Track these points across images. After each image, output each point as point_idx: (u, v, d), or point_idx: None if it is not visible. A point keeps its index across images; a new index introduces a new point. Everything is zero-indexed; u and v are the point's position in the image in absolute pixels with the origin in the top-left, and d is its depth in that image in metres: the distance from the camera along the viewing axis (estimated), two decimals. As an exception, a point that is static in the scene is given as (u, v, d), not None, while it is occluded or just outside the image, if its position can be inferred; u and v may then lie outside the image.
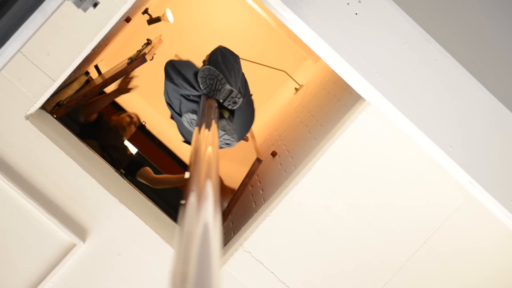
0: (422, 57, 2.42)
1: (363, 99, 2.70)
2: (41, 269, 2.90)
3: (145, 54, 3.42)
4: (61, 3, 1.37)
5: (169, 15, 4.74)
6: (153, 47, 3.77)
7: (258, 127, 5.04)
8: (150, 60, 3.67)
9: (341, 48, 2.44)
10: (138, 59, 3.39)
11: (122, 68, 3.46)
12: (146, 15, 4.53)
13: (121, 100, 5.51)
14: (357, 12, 2.39)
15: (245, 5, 6.22)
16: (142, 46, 3.93)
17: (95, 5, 1.47)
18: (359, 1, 2.38)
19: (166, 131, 5.92)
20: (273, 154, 3.73)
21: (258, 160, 3.24)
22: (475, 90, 2.43)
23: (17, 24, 1.33)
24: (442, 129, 2.48)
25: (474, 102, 2.44)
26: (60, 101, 3.37)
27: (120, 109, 5.75)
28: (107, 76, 3.64)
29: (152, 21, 4.46)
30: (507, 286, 2.80)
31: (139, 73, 4.00)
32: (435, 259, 2.81)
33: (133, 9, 3.37)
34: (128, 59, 3.55)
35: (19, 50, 1.38)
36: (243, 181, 3.26)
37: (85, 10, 1.46)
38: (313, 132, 3.42)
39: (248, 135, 3.92)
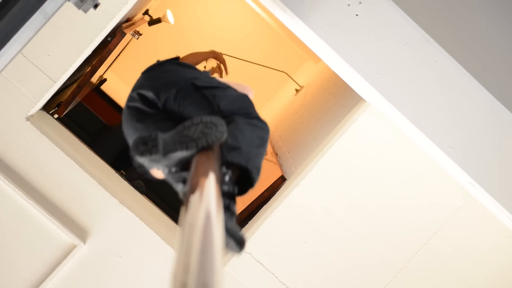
0: (423, 58, 2.42)
1: (364, 100, 2.70)
2: (42, 270, 2.90)
3: (122, 28, 3.40)
4: (62, 4, 1.37)
5: (170, 16, 4.74)
6: (133, 23, 3.75)
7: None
8: (136, 38, 3.63)
9: (342, 49, 2.43)
10: (117, 35, 3.38)
11: (106, 48, 3.45)
12: (146, 16, 4.53)
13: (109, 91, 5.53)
14: (357, 13, 2.39)
15: (245, 6, 6.22)
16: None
17: (95, 6, 1.47)
18: (360, 2, 2.38)
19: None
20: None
21: (283, 178, 3.18)
22: (475, 91, 2.43)
23: (18, 25, 1.33)
24: (442, 130, 2.48)
25: (474, 103, 2.44)
26: (61, 102, 3.38)
27: (109, 101, 5.76)
28: (94, 62, 3.62)
29: (152, 22, 4.46)
30: (507, 287, 2.79)
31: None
32: (436, 260, 2.81)
33: (133, 10, 3.37)
34: (109, 38, 3.48)
35: (19, 51, 1.39)
36: (262, 193, 3.20)
37: (85, 11, 1.46)
38: (314, 133, 3.42)
39: (269, 150, 3.84)
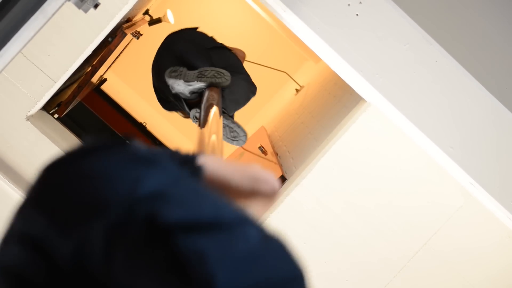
0: (423, 58, 2.42)
1: (364, 100, 2.70)
2: (42, 270, 2.90)
3: (123, 28, 3.40)
4: (62, 4, 1.37)
5: (170, 16, 4.74)
6: (134, 24, 3.76)
7: (259, 128, 5.05)
8: (137, 38, 3.62)
9: (342, 49, 2.44)
10: (118, 35, 3.38)
11: (106, 49, 3.44)
12: (147, 16, 4.53)
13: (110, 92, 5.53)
14: (357, 13, 2.40)
15: (246, 6, 6.22)
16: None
17: (96, 6, 1.47)
18: (360, 2, 2.38)
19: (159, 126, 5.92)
20: (264, 153, 3.71)
21: (283, 178, 3.19)
22: (476, 91, 2.43)
23: (18, 25, 1.33)
24: (443, 130, 2.48)
25: (474, 103, 2.44)
26: (61, 102, 3.38)
27: (109, 101, 5.75)
28: (95, 62, 3.62)
29: (152, 22, 4.46)
30: (507, 287, 2.79)
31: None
32: (436, 259, 2.81)
33: (134, 10, 3.37)
34: (109, 38, 3.41)
35: (20, 51, 1.39)
36: None
37: (86, 11, 1.47)
38: (314, 133, 3.42)
39: (269, 150, 3.84)
